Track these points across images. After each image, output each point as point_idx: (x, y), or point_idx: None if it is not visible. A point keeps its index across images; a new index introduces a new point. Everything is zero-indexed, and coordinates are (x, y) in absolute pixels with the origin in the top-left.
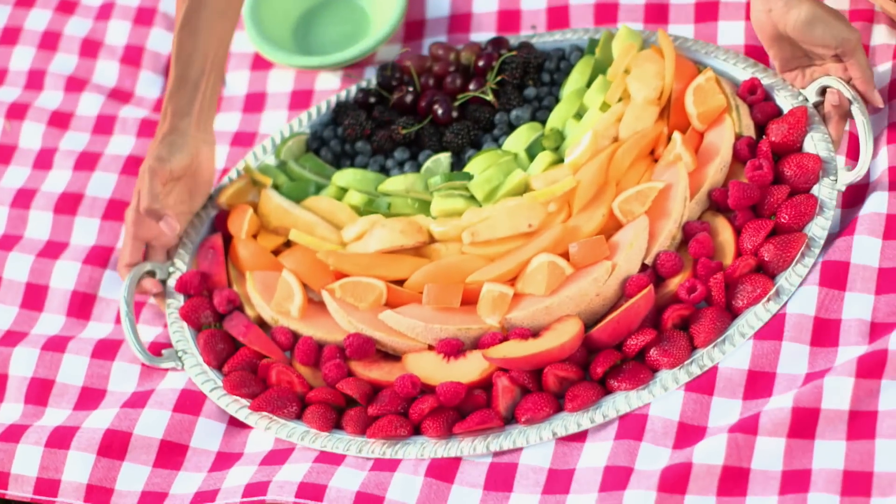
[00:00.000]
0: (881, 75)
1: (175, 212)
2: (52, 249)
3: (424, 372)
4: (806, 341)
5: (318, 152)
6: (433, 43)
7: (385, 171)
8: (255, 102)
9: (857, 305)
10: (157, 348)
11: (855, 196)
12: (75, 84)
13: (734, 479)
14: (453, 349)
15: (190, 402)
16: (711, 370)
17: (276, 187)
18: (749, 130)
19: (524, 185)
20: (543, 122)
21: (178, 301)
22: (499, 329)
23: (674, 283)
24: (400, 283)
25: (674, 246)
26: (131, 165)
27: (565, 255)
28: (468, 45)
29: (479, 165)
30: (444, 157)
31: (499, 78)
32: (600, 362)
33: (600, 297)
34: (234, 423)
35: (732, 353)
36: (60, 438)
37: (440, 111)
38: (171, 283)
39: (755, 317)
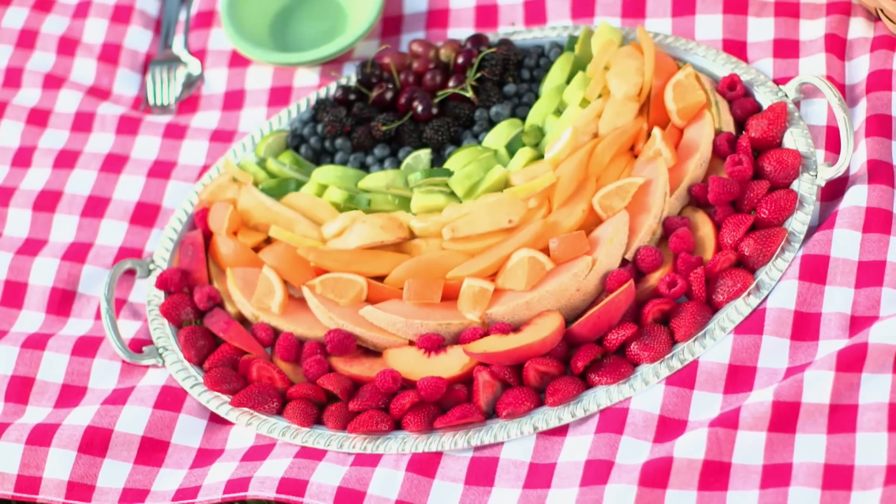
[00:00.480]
0: (858, 67)
1: None
2: (31, 247)
3: (405, 367)
4: (786, 335)
5: (297, 149)
6: (413, 40)
7: (365, 168)
8: (233, 100)
9: (837, 299)
10: (137, 344)
11: (834, 190)
12: (53, 82)
13: (715, 473)
14: (434, 344)
15: (171, 399)
16: (692, 364)
17: (256, 184)
18: (729, 126)
19: (504, 181)
20: (523, 119)
21: (159, 298)
22: (479, 324)
23: (654, 278)
24: (380, 279)
25: (654, 241)
26: (110, 163)
27: (545, 251)
28: (448, 42)
29: (460, 162)
30: (424, 154)
31: (479, 75)
32: (581, 357)
33: (581, 292)
34: (215, 420)
35: (713, 347)
36: (41, 436)
37: (420, 108)
38: (152, 279)
39: (735, 311)
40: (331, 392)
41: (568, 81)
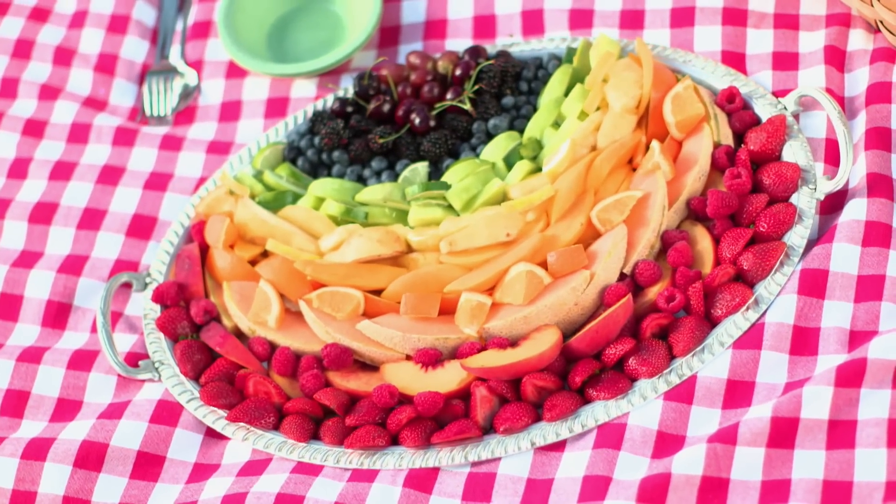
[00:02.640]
0: (858, 80)
1: None
2: (27, 259)
3: (402, 382)
4: (785, 350)
5: (294, 162)
6: (410, 52)
7: (362, 181)
8: (230, 111)
9: (837, 314)
10: (133, 358)
11: (833, 203)
12: (49, 92)
13: (713, 489)
14: (431, 359)
15: (167, 413)
16: (690, 379)
17: (252, 197)
18: (727, 139)
19: (502, 195)
20: (521, 131)
21: (156, 311)
22: (477, 339)
23: (652, 292)
24: (377, 292)
25: (652, 255)
26: (106, 174)
27: (543, 265)
28: (445, 54)
29: (457, 175)
30: (422, 167)
31: (476, 87)
32: (579, 372)
33: (579, 307)
34: (212, 434)
35: (711, 362)
36: (36, 450)
37: (417, 120)
38: (149, 293)
39: (734, 326)
40: (328, 407)
41: (566, 94)
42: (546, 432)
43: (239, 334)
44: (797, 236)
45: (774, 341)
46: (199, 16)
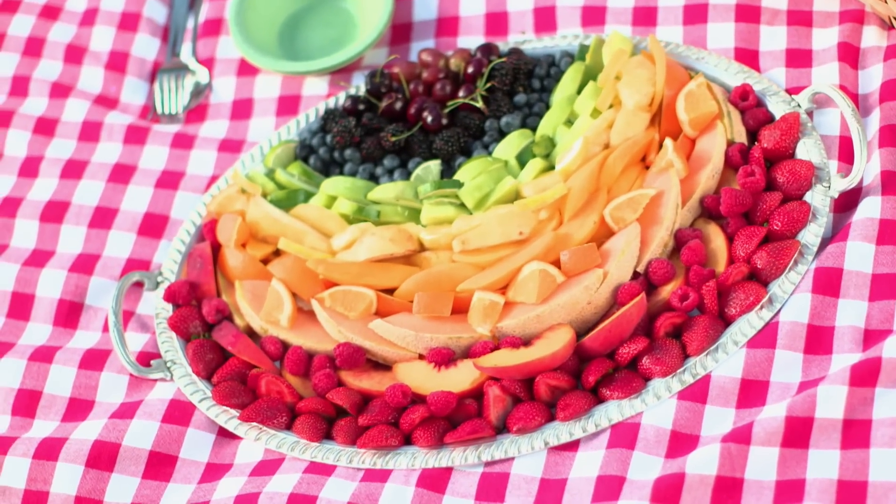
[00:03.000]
0: (872, 77)
1: None
2: (38, 258)
3: (415, 381)
4: (799, 349)
5: (306, 160)
6: (422, 49)
7: (374, 179)
8: (242, 109)
9: (851, 312)
10: (145, 357)
11: (847, 201)
12: (60, 90)
13: (728, 489)
14: (444, 358)
15: (179, 413)
16: (704, 378)
17: (264, 196)
18: (741, 137)
19: (515, 193)
20: (534, 129)
21: (167, 311)
22: (490, 338)
23: (666, 291)
24: (390, 291)
25: (666, 253)
26: (118, 173)
27: (556, 263)
28: (457, 52)
29: (470, 173)
30: (434, 165)
31: (489, 84)
32: (592, 371)
33: (592, 306)
34: (224, 434)
35: (725, 361)
36: (48, 450)
37: (430, 118)
38: (160, 292)
39: (748, 325)
40: (340, 406)
41: (579, 91)
42: (559, 432)
43: (251, 333)
44: (811, 234)
45: (788, 340)
46: (210, 13)
